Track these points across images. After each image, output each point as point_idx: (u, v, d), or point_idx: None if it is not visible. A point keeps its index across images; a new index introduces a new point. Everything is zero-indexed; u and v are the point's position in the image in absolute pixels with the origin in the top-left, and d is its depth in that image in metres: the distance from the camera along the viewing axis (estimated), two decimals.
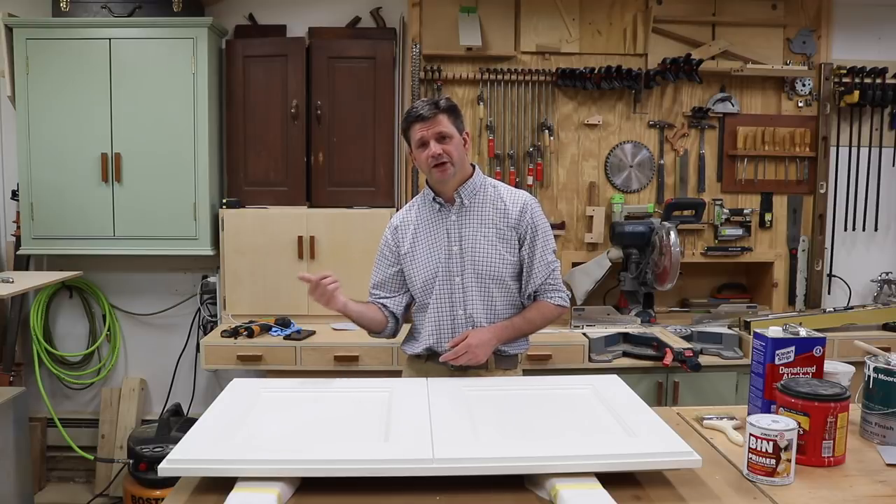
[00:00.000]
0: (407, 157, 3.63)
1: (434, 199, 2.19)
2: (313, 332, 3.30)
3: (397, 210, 3.54)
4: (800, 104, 3.73)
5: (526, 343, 2.29)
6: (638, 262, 3.52)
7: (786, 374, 1.69)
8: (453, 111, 2.13)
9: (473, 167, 2.21)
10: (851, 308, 3.49)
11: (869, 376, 1.70)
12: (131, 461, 3.08)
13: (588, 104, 3.68)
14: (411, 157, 2.22)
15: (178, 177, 3.44)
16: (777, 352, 1.69)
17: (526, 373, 2.38)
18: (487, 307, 2.17)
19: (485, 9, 3.58)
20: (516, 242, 2.17)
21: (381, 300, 2.26)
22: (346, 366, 3.14)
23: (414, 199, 2.31)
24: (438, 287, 2.16)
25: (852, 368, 1.80)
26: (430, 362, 2.22)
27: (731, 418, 1.81)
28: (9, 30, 3.40)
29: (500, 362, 2.20)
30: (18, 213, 3.57)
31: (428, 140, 2.09)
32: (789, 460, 1.45)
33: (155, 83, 3.41)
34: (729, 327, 3.32)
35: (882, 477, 1.51)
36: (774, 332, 1.73)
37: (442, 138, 2.09)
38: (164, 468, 1.40)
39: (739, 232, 3.72)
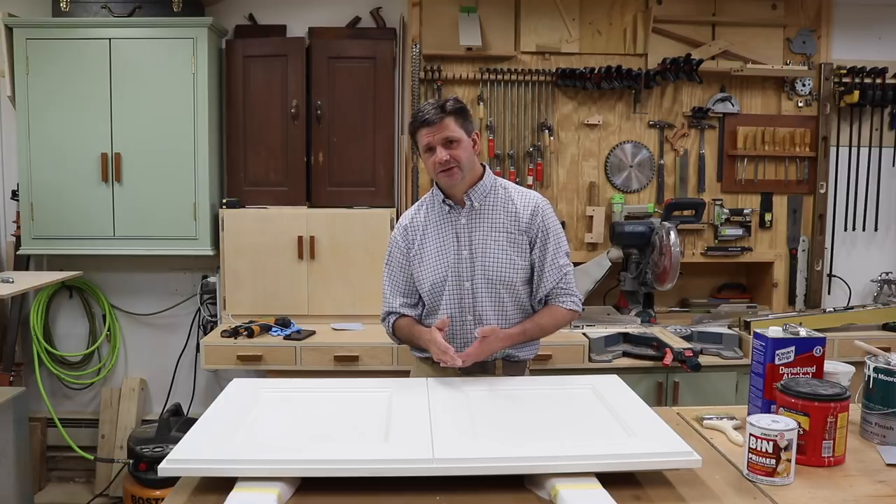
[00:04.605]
0: (407, 156, 3.63)
1: (444, 200, 2.14)
2: (313, 332, 3.30)
3: (397, 210, 3.58)
4: (800, 104, 3.73)
5: (536, 348, 2.25)
6: (638, 262, 3.52)
7: (786, 374, 1.69)
8: (461, 113, 2.08)
9: (484, 167, 2.16)
10: (851, 308, 3.49)
11: (869, 376, 1.70)
12: (131, 461, 3.08)
13: (588, 104, 3.68)
14: (421, 158, 2.18)
15: (178, 177, 3.44)
16: (777, 352, 1.69)
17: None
18: (498, 312, 2.13)
19: (485, 9, 3.57)
20: (527, 246, 2.12)
21: (409, 312, 2.19)
22: (346, 366, 3.14)
23: (422, 199, 2.25)
24: (448, 291, 2.12)
25: (852, 368, 1.80)
26: (438, 363, 2.20)
27: (731, 418, 1.81)
28: (9, 30, 3.40)
29: (509, 368, 2.16)
30: (18, 213, 3.57)
31: (435, 146, 2.04)
32: (789, 460, 1.45)
33: (155, 83, 3.41)
34: (729, 327, 3.32)
35: (882, 477, 1.51)
36: (774, 332, 1.73)
37: (449, 143, 2.04)
38: (164, 468, 1.40)
39: (739, 232, 3.72)
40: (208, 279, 3.71)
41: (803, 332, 1.73)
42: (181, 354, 3.81)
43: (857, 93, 3.64)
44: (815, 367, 1.70)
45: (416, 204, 2.26)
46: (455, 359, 1.97)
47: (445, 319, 2.05)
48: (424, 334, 2.09)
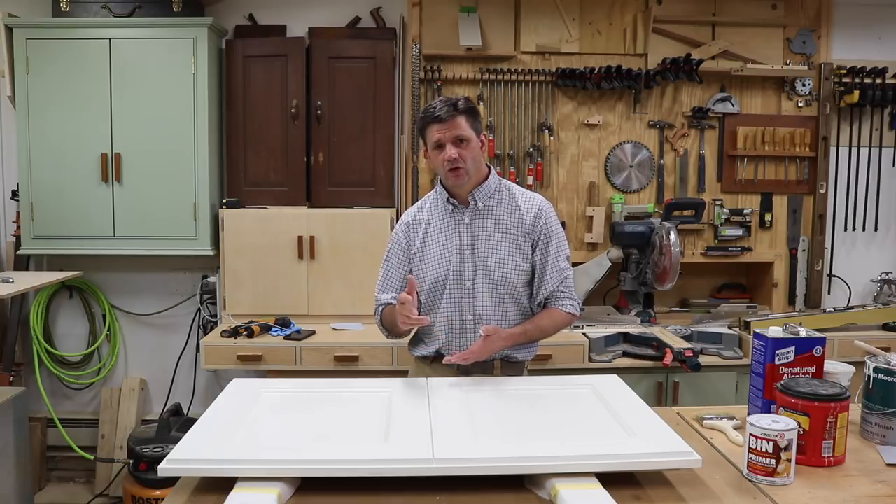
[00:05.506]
0: (407, 156, 3.63)
1: (448, 199, 2.14)
2: (313, 332, 3.30)
3: (397, 210, 3.58)
4: (800, 104, 3.73)
5: (535, 349, 2.25)
6: (638, 262, 3.52)
7: (786, 374, 1.69)
8: (472, 112, 2.08)
9: (489, 168, 2.18)
10: (851, 308, 3.49)
11: (869, 376, 1.70)
12: (131, 461, 3.09)
13: (588, 104, 3.68)
14: (425, 155, 2.17)
15: (178, 177, 3.44)
16: (777, 352, 1.69)
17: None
18: (498, 313, 2.13)
19: (485, 9, 3.57)
20: (529, 248, 2.13)
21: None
22: (346, 366, 3.14)
23: (426, 196, 2.26)
24: (449, 290, 2.12)
25: (852, 368, 1.80)
26: (436, 363, 2.19)
27: (731, 418, 1.81)
28: (9, 30, 3.40)
29: (507, 369, 2.17)
30: (18, 213, 3.57)
31: (445, 143, 2.04)
32: (789, 460, 1.45)
33: (155, 83, 3.41)
34: (729, 327, 3.32)
35: (882, 477, 1.51)
36: (774, 332, 1.73)
37: (459, 141, 2.04)
38: (164, 468, 1.40)
39: (739, 232, 3.72)
40: (208, 279, 3.72)
41: (803, 332, 1.73)
42: (181, 354, 3.81)
43: (857, 93, 3.65)
44: (815, 367, 1.70)
45: (420, 201, 2.27)
46: (423, 320, 1.95)
47: (412, 280, 1.98)
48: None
